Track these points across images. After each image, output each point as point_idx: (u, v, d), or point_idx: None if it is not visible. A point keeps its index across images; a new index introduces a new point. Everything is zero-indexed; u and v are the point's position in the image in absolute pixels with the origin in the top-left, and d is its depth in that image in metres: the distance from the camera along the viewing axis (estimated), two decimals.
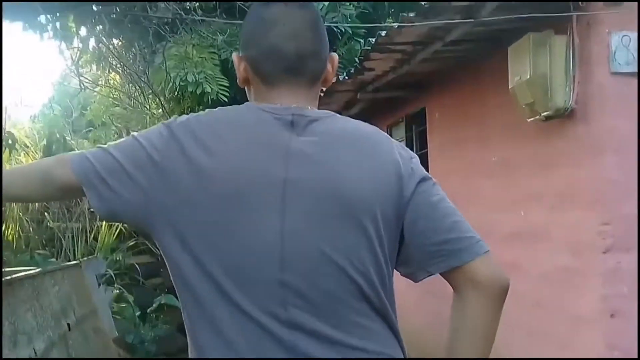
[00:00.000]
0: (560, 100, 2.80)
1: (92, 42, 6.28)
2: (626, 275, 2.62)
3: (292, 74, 1.07)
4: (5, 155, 5.00)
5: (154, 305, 5.00)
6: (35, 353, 2.26)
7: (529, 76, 2.84)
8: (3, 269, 3.42)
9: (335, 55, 1.14)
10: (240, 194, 0.99)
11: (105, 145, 1.09)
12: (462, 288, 1.06)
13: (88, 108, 11.15)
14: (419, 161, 1.13)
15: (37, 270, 2.72)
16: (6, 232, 5.45)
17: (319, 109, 1.12)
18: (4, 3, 3.06)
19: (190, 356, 1.06)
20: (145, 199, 1.01)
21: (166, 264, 1.06)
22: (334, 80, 1.19)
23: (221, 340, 0.99)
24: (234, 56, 1.13)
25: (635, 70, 2.68)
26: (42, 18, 5.42)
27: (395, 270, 1.11)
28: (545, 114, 2.88)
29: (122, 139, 1.12)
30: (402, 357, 1.07)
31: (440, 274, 1.08)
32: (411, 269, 1.11)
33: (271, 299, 0.98)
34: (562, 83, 2.81)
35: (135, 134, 1.09)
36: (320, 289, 0.99)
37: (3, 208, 5.58)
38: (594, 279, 2.71)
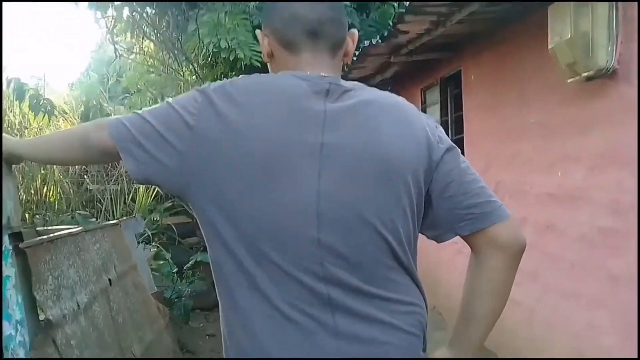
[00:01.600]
0: (602, 60, 2.73)
1: (126, 11, 6.33)
2: None
3: (313, 37, 1.11)
4: (44, 122, 5.13)
5: (190, 262, 5.15)
6: (79, 306, 2.35)
7: (569, 36, 2.76)
8: (47, 227, 3.55)
9: (355, 32, 1.19)
10: (277, 157, 1.02)
11: (140, 111, 1.12)
12: (484, 249, 1.14)
13: (123, 75, 11.29)
14: (443, 131, 1.19)
15: (78, 228, 2.81)
16: (48, 193, 5.64)
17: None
18: None
19: (222, 311, 1.10)
20: (180, 162, 1.04)
21: (200, 225, 1.10)
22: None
23: (257, 294, 1.03)
24: (258, 33, 1.17)
25: None
26: None
27: (421, 233, 1.18)
28: (586, 74, 2.81)
29: (156, 105, 1.15)
30: (425, 305, 1.15)
31: (461, 235, 1.16)
32: (439, 231, 1.18)
33: (308, 257, 1.02)
34: (604, 42, 2.72)
35: (169, 99, 1.12)
36: (355, 247, 1.04)
37: (45, 171, 5.76)
38: (631, 240, 2.66)
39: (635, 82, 2.65)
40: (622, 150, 2.75)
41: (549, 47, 2.94)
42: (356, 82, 1.15)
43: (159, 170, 1.06)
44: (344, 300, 1.03)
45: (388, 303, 1.06)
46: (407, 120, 1.11)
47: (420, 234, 1.17)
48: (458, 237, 1.17)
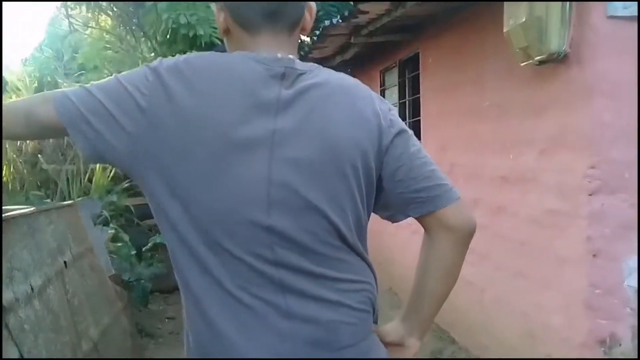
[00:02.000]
0: (555, 44, 2.79)
1: None
2: (609, 217, 2.68)
3: (272, 18, 1.09)
4: None
5: (149, 244, 5.11)
6: (32, 289, 2.31)
7: (524, 19, 2.81)
8: None
9: (313, 4, 1.16)
10: (229, 143, 1.01)
11: (88, 85, 1.08)
12: (434, 230, 1.18)
13: (79, 51, 10.98)
14: (397, 113, 1.19)
15: (32, 208, 2.74)
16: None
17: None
18: None
19: (181, 291, 1.11)
20: (130, 144, 1.02)
21: (150, 207, 1.09)
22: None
23: (208, 276, 1.04)
24: (214, 7, 1.14)
25: (632, 14, 2.66)
26: None
27: (375, 213, 1.20)
28: (538, 58, 2.87)
29: (104, 80, 1.10)
30: (375, 282, 1.18)
31: (412, 217, 1.19)
32: (390, 212, 1.20)
33: (258, 242, 1.03)
34: (558, 27, 2.78)
35: (118, 76, 1.08)
36: (304, 232, 1.05)
37: None
38: (578, 221, 2.77)
39: (585, 66, 2.72)
40: (572, 134, 2.84)
41: (504, 30, 2.99)
42: (312, 64, 1.14)
43: (108, 149, 1.04)
44: (294, 282, 1.05)
45: (337, 282, 1.09)
46: (359, 104, 1.11)
47: (375, 214, 1.20)
48: (412, 218, 1.20)
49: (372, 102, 1.14)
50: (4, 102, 1.22)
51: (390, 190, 1.15)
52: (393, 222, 1.24)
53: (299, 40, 1.21)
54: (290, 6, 1.10)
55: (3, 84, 4.15)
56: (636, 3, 2.66)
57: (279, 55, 1.08)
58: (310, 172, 1.05)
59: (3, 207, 2.99)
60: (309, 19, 1.15)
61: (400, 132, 1.14)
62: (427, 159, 1.17)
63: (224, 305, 1.04)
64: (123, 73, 1.10)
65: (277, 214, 1.03)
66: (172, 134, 1.01)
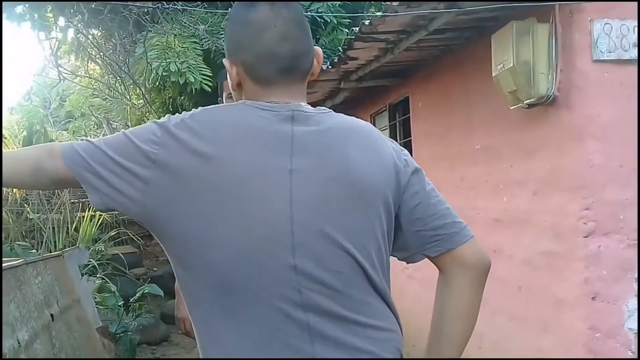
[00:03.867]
0: (543, 87, 2.84)
1: (71, 33, 6.19)
2: (606, 258, 2.67)
3: (287, 74, 1.10)
4: None
5: (137, 294, 4.99)
6: (19, 343, 2.23)
7: (512, 64, 2.86)
8: None
9: (319, 50, 1.17)
10: (247, 185, 1.01)
11: (95, 140, 1.08)
12: (451, 269, 1.16)
13: (67, 99, 11.00)
14: (409, 154, 1.21)
15: (19, 260, 2.68)
16: None
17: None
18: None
19: (197, 333, 1.08)
20: (143, 194, 1.02)
21: (167, 254, 1.07)
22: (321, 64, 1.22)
23: (233, 322, 1.01)
24: (225, 62, 1.14)
25: (618, 57, 2.72)
26: (20, 8, 5.33)
27: (392, 255, 1.18)
28: (528, 101, 2.91)
29: (110, 136, 1.11)
30: (401, 330, 1.15)
31: (429, 257, 1.18)
32: (409, 252, 1.20)
33: (285, 284, 1.01)
34: (545, 71, 2.84)
35: (124, 131, 1.09)
36: (331, 272, 1.03)
37: None
38: (575, 263, 2.75)
39: (575, 109, 2.76)
40: (564, 176, 2.85)
41: (493, 75, 3.04)
42: (321, 107, 1.14)
43: (122, 201, 1.03)
44: (323, 327, 1.02)
45: (365, 329, 1.06)
46: (374, 145, 1.12)
47: (391, 256, 1.18)
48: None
49: (385, 142, 1.15)
50: None
51: (408, 228, 1.15)
52: (408, 262, 1.23)
53: None
54: (302, 59, 1.11)
55: None
56: (620, 48, 2.72)
57: (289, 101, 1.09)
58: (331, 211, 1.04)
59: None
60: (316, 65, 1.16)
61: (416, 171, 1.15)
62: (441, 197, 1.18)
63: (249, 351, 1.01)
64: (130, 129, 1.10)
65: (302, 255, 1.01)
66: (185, 182, 1.00)
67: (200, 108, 1.09)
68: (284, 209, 1.01)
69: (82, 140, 1.10)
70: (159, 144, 1.02)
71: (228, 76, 1.14)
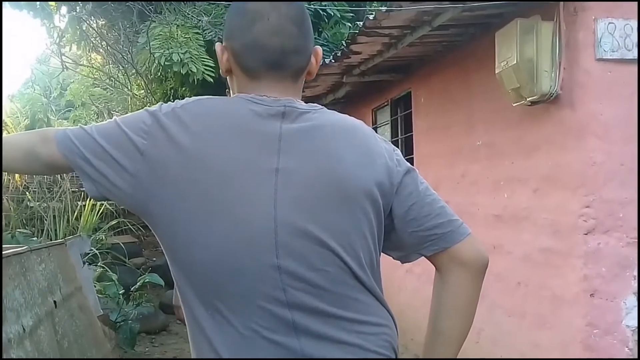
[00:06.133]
0: (546, 85, 2.85)
1: (74, 22, 6.18)
2: (605, 256, 2.69)
3: (275, 69, 1.08)
4: None
5: (137, 284, 5.01)
6: (24, 329, 2.26)
7: (515, 61, 2.87)
8: None
9: (319, 49, 1.15)
10: (233, 183, 1.00)
11: (87, 127, 1.09)
12: (448, 267, 1.15)
13: (67, 88, 10.98)
14: (400, 153, 1.19)
15: (24, 247, 2.70)
16: None
17: (305, 93, 1.14)
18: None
19: (188, 326, 1.08)
20: (132, 185, 1.02)
21: (160, 244, 1.08)
22: (320, 64, 1.20)
23: (220, 319, 1.02)
24: (217, 46, 1.13)
25: (621, 57, 2.74)
26: None
27: (386, 254, 1.19)
28: (530, 99, 2.93)
29: (103, 122, 1.11)
30: (395, 325, 1.14)
31: (425, 256, 1.17)
32: (404, 252, 1.19)
33: (269, 284, 1.01)
34: (548, 69, 2.85)
35: (117, 119, 1.09)
36: (317, 271, 1.03)
37: None
38: (574, 260, 2.78)
39: (577, 107, 2.78)
40: (564, 173, 2.87)
41: (496, 72, 3.05)
42: (314, 104, 1.13)
43: (112, 190, 1.04)
44: (309, 324, 1.02)
45: (354, 324, 1.06)
46: (365, 144, 1.11)
47: (386, 255, 1.18)
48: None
49: (377, 142, 1.13)
50: None
51: (404, 229, 1.13)
52: (403, 262, 1.22)
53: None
54: (295, 57, 1.08)
55: None
56: (623, 47, 2.74)
57: (281, 97, 1.07)
58: (316, 210, 1.03)
59: None
60: (315, 64, 1.14)
61: (408, 171, 1.14)
62: (436, 196, 1.16)
63: (237, 347, 1.01)
64: (122, 116, 1.10)
65: (286, 255, 1.01)
66: (172, 176, 1.00)
67: (193, 98, 1.09)
68: (268, 209, 1.01)
69: (79, 127, 1.10)
70: (148, 134, 1.02)
71: (219, 61, 1.14)
